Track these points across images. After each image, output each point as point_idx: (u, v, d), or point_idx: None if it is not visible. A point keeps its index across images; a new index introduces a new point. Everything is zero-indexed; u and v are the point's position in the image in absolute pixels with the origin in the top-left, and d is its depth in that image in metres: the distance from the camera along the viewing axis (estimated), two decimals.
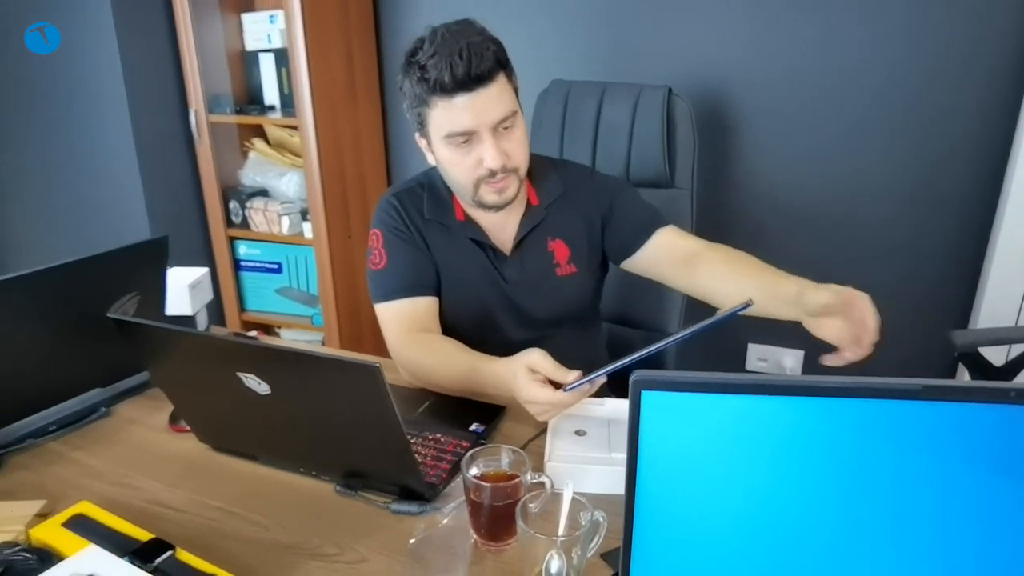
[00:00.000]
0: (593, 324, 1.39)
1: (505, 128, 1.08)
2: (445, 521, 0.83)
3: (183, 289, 1.32)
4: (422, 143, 1.15)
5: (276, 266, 2.40)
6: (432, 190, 1.23)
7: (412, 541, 0.81)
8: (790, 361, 2.12)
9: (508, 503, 0.77)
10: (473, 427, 1.02)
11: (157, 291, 1.16)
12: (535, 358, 0.94)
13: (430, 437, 0.99)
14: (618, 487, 0.81)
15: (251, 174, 2.38)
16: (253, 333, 1.40)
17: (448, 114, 1.05)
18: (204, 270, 1.40)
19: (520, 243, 1.23)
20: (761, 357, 2.15)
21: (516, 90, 1.11)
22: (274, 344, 0.87)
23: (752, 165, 2.03)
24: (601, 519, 0.75)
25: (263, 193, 2.37)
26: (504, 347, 1.23)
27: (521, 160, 1.13)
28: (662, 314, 1.53)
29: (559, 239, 1.25)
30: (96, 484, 0.93)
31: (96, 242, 2.38)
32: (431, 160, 1.17)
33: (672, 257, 1.21)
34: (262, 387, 0.83)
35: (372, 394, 0.76)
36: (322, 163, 2.16)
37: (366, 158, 2.38)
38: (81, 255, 1.04)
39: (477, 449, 0.83)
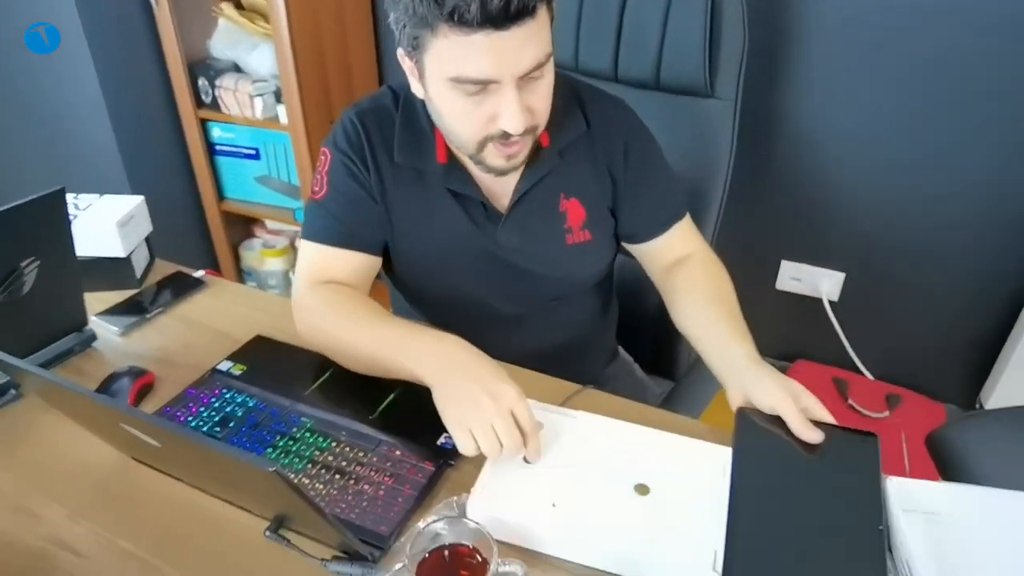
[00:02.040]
0: (604, 296, 1.17)
1: (533, 78, 0.80)
2: None
3: (111, 227, 1.11)
4: (409, 66, 0.87)
5: (253, 152, 2.14)
6: (408, 116, 0.96)
7: None
8: (828, 284, 1.90)
9: None
10: (442, 440, 0.84)
11: (60, 252, 0.95)
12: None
13: (385, 455, 0.82)
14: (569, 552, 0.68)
15: (220, 46, 2.06)
16: (200, 273, 1.19)
17: (462, 52, 0.77)
18: (138, 199, 1.18)
19: (522, 199, 0.97)
20: (795, 276, 1.93)
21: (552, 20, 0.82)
22: (150, 424, 0.65)
23: (814, 80, 1.69)
24: None
25: (236, 69, 2.07)
26: (488, 322, 1.02)
27: (544, 116, 0.87)
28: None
29: (574, 197, 0.99)
30: None
31: (45, 127, 2.13)
32: (418, 91, 0.89)
33: (669, 259, 1.03)
34: (152, 441, 0.65)
35: (275, 490, 0.58)
36: (293, 32, 1.83)
37: (350, 30, 2.04)
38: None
39: (427, 524, 0.65)
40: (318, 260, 0.97)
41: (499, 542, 0.63)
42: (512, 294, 1.03)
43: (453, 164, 0.95)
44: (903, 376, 1.96)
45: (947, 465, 1.24)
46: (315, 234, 0.97)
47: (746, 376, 0.84)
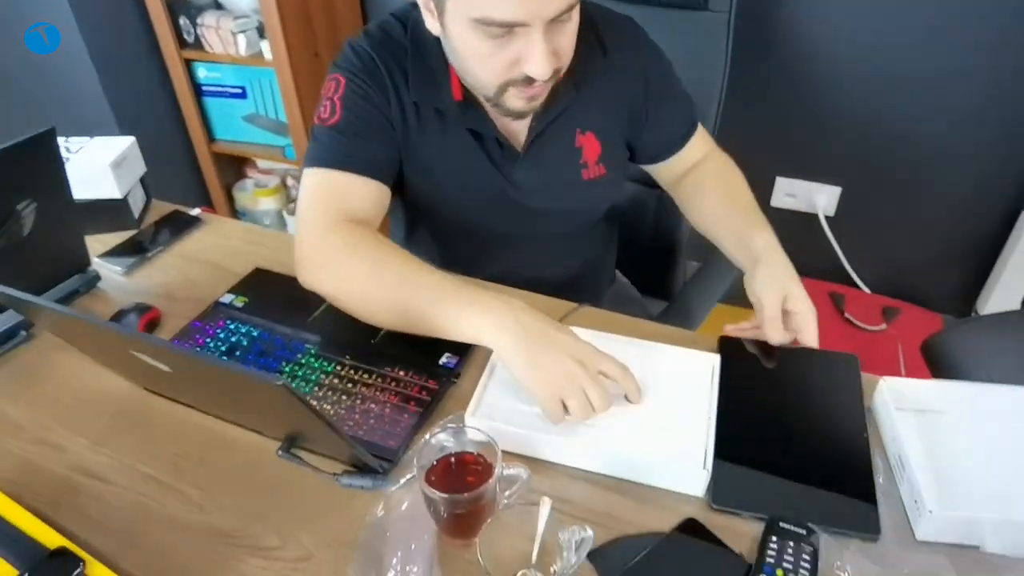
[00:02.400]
0: (610, 226, 1.19)
1: (561, 20, 0.78)
2: (404, 507, 0.71)
3: (104, 169, 1.11)
4: (427, 3, 0.83)
5: (240, 91, 2.11)
6: (419, 51, 0.91)
7: (363, 535, 0.69)
8: (823, 199, 1.90)
9: (473, 510, 0.64)
10: (444, 360, 0.87)
11: (56, 193, 0.95)
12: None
13: (389, 375, 0.84)
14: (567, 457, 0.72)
15: None
16: (196, 211, 1.20)
17: None
18: (129, 140, 1.18)
19: (538, 137, 0.95)
20: (790, 192, 1.93)
21: None
22: (161, 348, 0.67)
23: None
24: (589, 536, 0.62)
25: (217, 6, 2.02)
26: (497, 251, 1.04)
27: (568, 58, 0.85)
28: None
29: (590, 131, 0.98)
30: (13, 443, 0.81)
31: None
32: (433, 28, 0.85)
33: (686, 168, 1.05)
34: (163, 366, 0.67)
35: (285, 406, 0.60)
36: None
37: None
38: None
39: (433, 436, 0.68)
40: (331, 189, 0.88)
41: (502, 450, 0.66)
42: (524, 229, 1.04)
43: (468, 101, 0.92)
44: (900, 289, 1.98)
45: (942, 370, 1.27)
46: (328, 159, 0.88)
47: (756, 265, 0.87)
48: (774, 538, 0.66)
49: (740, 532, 0.69)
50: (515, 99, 0.85)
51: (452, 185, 0.98)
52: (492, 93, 0.85)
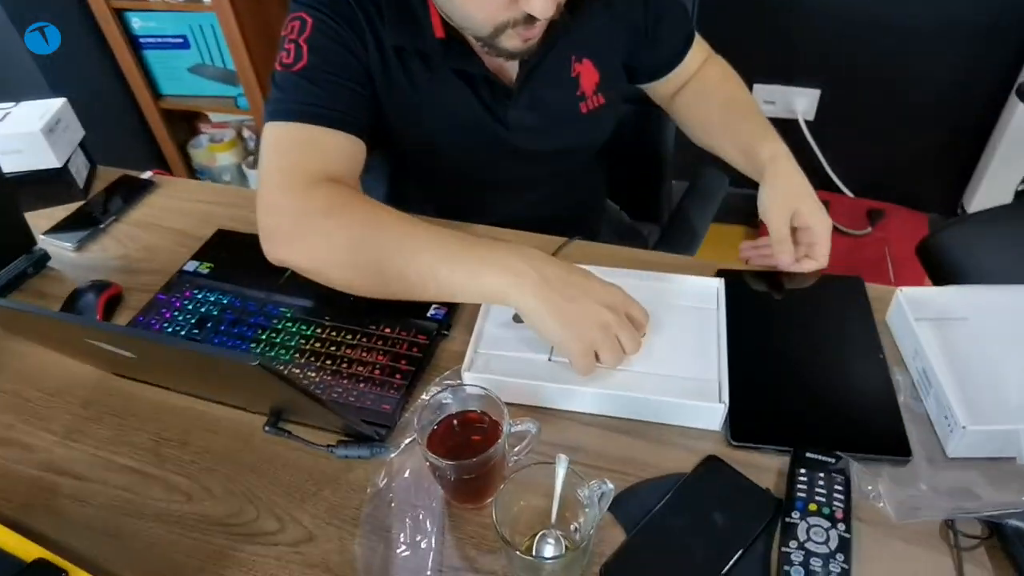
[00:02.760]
0: (602, 157, 1.11)
1: None
2: (407, 473, 0.66)
3: (35, 136, 1.01)
4: None
5: (181, 40, 1.97)
6: None
7: (366, 508, 0.64)
8: (803, 103, 1.83)
9: (482, 474, 0.59)
10: (432, 312, 0.81)
11: None
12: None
13: (375, 334, 0.79)
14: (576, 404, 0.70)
15: None
16: (148, 174, 1.11)
17: None
18: (59, 102, 1.08)
19: (532, 70, 0.86)
20: (768, 99, 1.86)
21: None
22: (119, 334, 0.60)
23: None
24: (610, 489, 0.57)
25: None
26: (489, 193, 0.97)
27: None
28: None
29: (586, 58, 0.89)
30: None
31: None
32: None
33: (683, 81, 0.99)
34: (126, 353, 0.61)
35: (264, 383, 0.54)
36: None
37: None
38: None
39: (431, 396, 0.63)
40: (300, 145, 0.76)
41: (506, 404, 0.61)
42: (520, 173, 0.97)
43: (452, 38, 0.82)
44: (883, 191, 1.94)
45: (940, 269, 1.25)
46: (294, 111, 0.76)
47: (763, 179, 0.83)
48: (802, 470, 0.63)
49: (763, 466, 0.65)
50: (512, 39, 0.75)
51: (441, 133, 0.89)
52: (486, 34, 0.75)
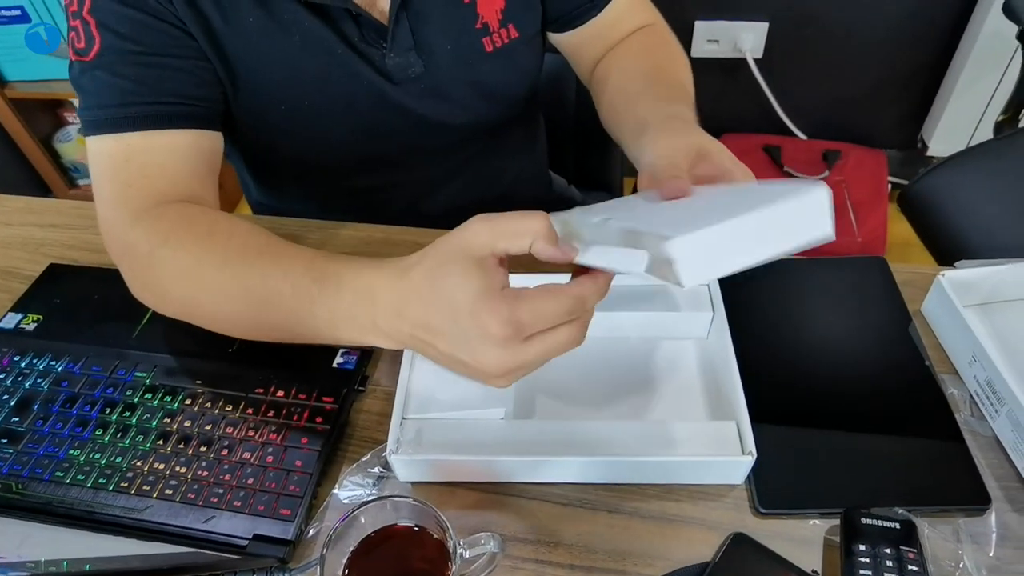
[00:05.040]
0: (532, 116, 0.89)
1: None
2: None
3: None
4: None
5: (18, 12, 1.64)
6: None
7: None
8: (750, 39, 1.66)
9: None
10: (339, 361, 0.60)
11: None
12: (485, 237, 0.45)
13: (264, 400, 0.58)
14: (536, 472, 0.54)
15: None
16: None
17: None
18: None
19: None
20: (712, 37, 1.67)
21: None
22: None
23: None
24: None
25: None
26: (389, 190, 0.76)
27: None
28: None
29: None
30: None
31: None
32: None
33: (606, 47, 0.75)
34: None
35: None
36: None
37: None
38: None
39: (349, 515, 0.43)
40: (127, 166, 0.58)
41: (453, 484, 0.41)
42: (416, 144, 0.74)
43: None
44: (838, 130, 1.81)
45: (924, 218, 1.14)
46: (106, 120, 0.58)
47: (647, 132, 0.56)
48: (861, 545, 0.46)
49: (800, 538, 0.49)
50: None
51: (298, 99, 0.66)
52: None
